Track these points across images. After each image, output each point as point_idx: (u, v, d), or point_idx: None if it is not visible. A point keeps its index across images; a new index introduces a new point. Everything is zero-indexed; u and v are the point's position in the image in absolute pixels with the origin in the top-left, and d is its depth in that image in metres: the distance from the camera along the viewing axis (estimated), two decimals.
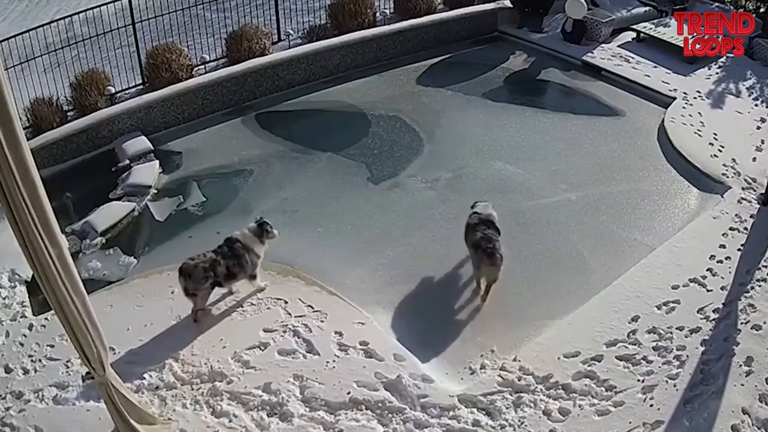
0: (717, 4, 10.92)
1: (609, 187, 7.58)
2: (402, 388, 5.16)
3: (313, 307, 5.87)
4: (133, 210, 7.41)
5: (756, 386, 5.02)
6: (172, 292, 6.05)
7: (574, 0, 10.23)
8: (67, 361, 5.39)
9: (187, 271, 5.54)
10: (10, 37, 8.41)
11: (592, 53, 10.30)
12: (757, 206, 7.00)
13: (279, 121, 9.08)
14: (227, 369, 5.30)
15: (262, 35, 9.62)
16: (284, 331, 5.63)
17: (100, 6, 9.33)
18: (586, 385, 5.17)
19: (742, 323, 5.59)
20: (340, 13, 10.22)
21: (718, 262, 6.29)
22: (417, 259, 6.62)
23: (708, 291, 5.97)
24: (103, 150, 8.43)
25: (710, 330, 5.57)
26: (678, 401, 4.99)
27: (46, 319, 5.77)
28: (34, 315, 5.91)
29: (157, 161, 8.12)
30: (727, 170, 7.57)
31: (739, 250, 6.43)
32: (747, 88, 9.37)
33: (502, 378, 5.24)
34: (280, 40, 10.18)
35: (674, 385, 5.11)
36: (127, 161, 8.12)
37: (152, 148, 8.33)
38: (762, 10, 10.62)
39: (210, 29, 10.41)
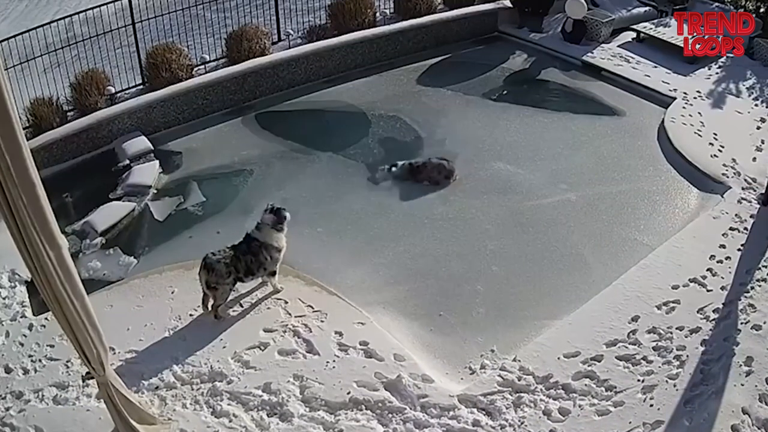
0: (717, 4, 10.91)
1: (609, 187, 7.58)
2: (402, 388, 5.16)
3: (313, 307, 5.87)
4: (133, 210, 7.41)
5: (756, 386, 5.02)
6: (172, 293, 6.06)
7: (574, 0, 10.23)
8: (67, 361, 5.39)
9: (211, 266, 5.54)
10: (10, 37, 8.40)
11: (592, 53, 10.30)
12: (757, 206, 6.99)
13: (279, 121, 9.08)
14: (227, 369, 5.30)
15: (262, 35, 9.62)
16: (284, 331, 5.63)
17: (100, 6, 9.33)
18: (586, 385, 5.17)
19: (742, 323, 5.59)
20: (340, 13, 10.21)
21: (718, 262, 6.29)
22: (417, 259, 6.62)
23: (708, 291, 5.97)
24: (103, 150, 8.42)
25: (710, 330, 5.57)
26: (678, 401, 4.99)
27: (46, 319, 5.77)
28: (34, 315, 5.91)
29: (157, 161, 8.11)
30: (727, 170, 7.57)
31: (739, 250, 6.43)
32: (747, 88, 9.37)
33: (502, 378, 5.24)
34: (280, 40, 10.18)
35: (674, 385, 5.11)
36: (127, 161, 8.12)
37: (152, 148, 8.32)
38: (762, 10, 10.61)
39: (210, 29, 10.41)
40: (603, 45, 10.48)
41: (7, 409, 5.04)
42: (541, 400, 5.08)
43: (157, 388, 5.18)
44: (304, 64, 9.70)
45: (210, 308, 5.75)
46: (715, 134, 8.24)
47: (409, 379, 5.21)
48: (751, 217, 6.86)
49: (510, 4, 11.16)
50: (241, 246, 5.72)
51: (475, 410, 5.02)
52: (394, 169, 7.69)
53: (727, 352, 5.32)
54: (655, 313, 5.76)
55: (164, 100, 8.80)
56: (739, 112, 8.82)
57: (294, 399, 5.09)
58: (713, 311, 5.75)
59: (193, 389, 5.18)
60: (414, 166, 7.69)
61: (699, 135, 8.27)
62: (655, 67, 9.87)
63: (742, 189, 7.26)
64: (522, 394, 5.11)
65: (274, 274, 5.91)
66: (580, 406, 5.02)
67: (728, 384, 5.05)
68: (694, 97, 9.08)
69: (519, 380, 5.22)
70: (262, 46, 9.51)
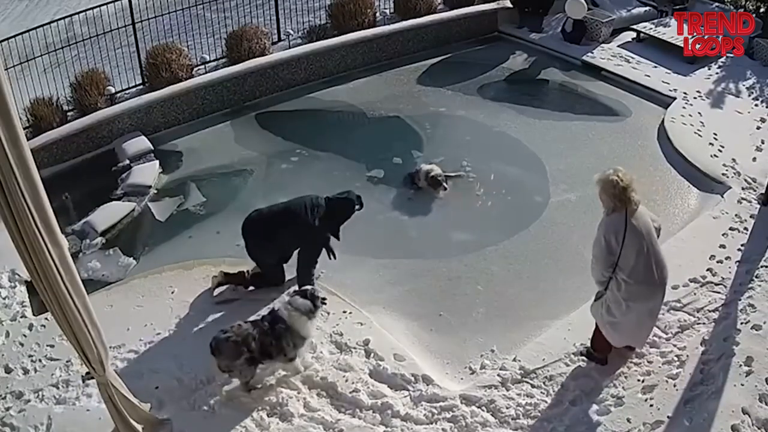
0: (717, 4, 10.91)
1: None
2: (402, 388, 5.16)
3: None
4: (133, 210, 7.41)
5: (756, 386, 5.02)
6: (172, 293, 6.07)
7: (574, 0, 10.23)
8: (67, 361, 5.39)
9: (217, 347, 4.95)
10: (10, 37, 8.41)
11: (592, 53, 10.30)
12: (757, 206, 6.99)
13: (279, 121, 9.08)
14: None
15: (262, 35, 9.62)
16: None
17: (100, 6, 9.32)
18: (586, 384, 5.16)
19: (742, 323, 5.58)
20: (340, 13, 10.22)
21: (718, 262, 6.28)
22: (417, 260, 6.62)
23: (708, 291, 5.97)
24: (103, 150, 8.43)
25: (710, 330, 5.57)
26: (678, 401, 4.99)
27: (46, 319, 5.77)
28: (34, 315, 5.91)
29: (157, 161, 8.11)
30: (727, 170, 7.56)
31: (739, 250, 6.43)
32: (747, 88, 9.36)
33: (501, 378, 5.24)
34: (280, 40, 10.18)
35: (674, 385, 5.11)
36: (127, 161, 8.12)
37: (152, 148, 8.32)
38: (762, 10, 10.61)
39: (210, 29, 10.40)
40: (603, 45, 10.47)
41: (7, 409, 5.04)
42: (541, 399, 5.08)
43: (156, 388, 5.17)
44: (304, 64, 9.70)
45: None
46: (715, 134, 8.24)
47: (410, 378, 5.21)
48: (751, 217, 6.86)
49: (510, 4, 11.16)
50: (263, 321, 5.10)
51: (475, 409, 5.02)
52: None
53: (727, 352, 5.31)
54: None
55: (164, 100, 8.80)
56: (739, 112, 8.81)
57: (294, 399, 5.09)
58: (713, 311, 5.75)
59: (193, 389, 5.17)
60: (410, 174, 7.65)
61: (699, 135, 8.27)
62: (655, 67, 9.87)
63: (742, 189, 7.26)
64: (522, 394, 5.11)
65: (292, 359, 5.18)
66: (580, 405, 5.02)
67: (728, 384, 5.04)
68: (694, 97, 9.08)
69: (519, 380, 5.22)
70: (262, 46, 9.51)
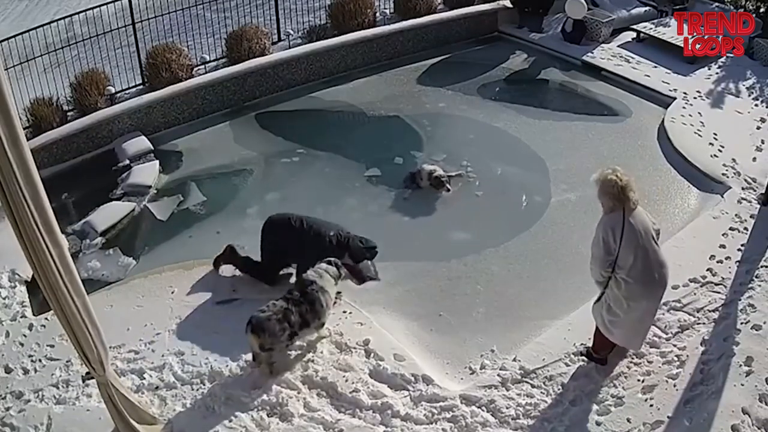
0: (717, 4, 10.91)
1: None
2: (402, 388, 5.16)
3: None
4: (133, 210, 7.41)
5: (756, 386, 5.02)
6: (172, 293, 6.07)
7: (574, 0, 10.23)
8: (67, 361, 5.39)
9: (260, 326, 5.04)
10: (10, 37, 8.41)
11: (592, 53, 10.29)
12: (757, 206, 6.99)
13: (279, 121, 9.08)
14: (227, 369, 5.30)
15: (262, 35, 9.62)
16: None
17: (100, 6, 9.33)
18: (586, 384, 5.16)
19: (742, 323, 5.59)
20: (340, 13, 10.22)
21: (718, 262, 6.28)
22: (417, 260, 6.62)
23: (708, 291, 5.97)
24: (103, 150, 8.43)
25: (710, 330, 5.57)
26: (678, 401, 4.99)
27: (46, 319, 5.78)
28: (34, 315, 5.91)
29: (157, 161, 8.11)
30: (727, 170, 7.56)
31: (739, 250, 6.42)
32: (747, 88, 9.35)
33: (501, 378, 5.24)
34: (280, 40, 10.18)
35: (674, 385, 5.11)
36: (127, 161, 8.12)
37: (152, 148, 8.32)
38: (762, 10, 10.61)
39: (210, 29, 10.41)
40: (603, 45, 10.47)
41: (7, 409, 5.05)
42: (541, 399, 5.08)
43: (157, 388, 5.18)
44: (304, 64, 9.70)
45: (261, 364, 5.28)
46: (715, 134, 8.24)
47: (410, 378, 5.21)
48: (751, 217, 6.85)
49: (510, 4, 11.16)
50: (292, 293, 5.31)
51: (475, 410, 5.02)
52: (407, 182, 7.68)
53: (727, 352, 5.32)
54: None
55: (164, 100, 8.80)
56: (739, 112, 8.81)
57: (294, 399, 5.09)
58: (713, 311, 5.75)
59: (193, 389, 5.18)
60: (412, 173, 7.65)
61: (699, 135, 8.27)
62: (655, 67, 9.86)
63: (742, 189, 7.26)
64: (521, 394, 5.11)
65: (324, 323, 5.47)
66: (580, 405, 5.02)
67: (728, 384, 5.04)
68: (694, 97, 9.08)
69: (519, 380, 5.22)
70: (262, 46, 9.51)
